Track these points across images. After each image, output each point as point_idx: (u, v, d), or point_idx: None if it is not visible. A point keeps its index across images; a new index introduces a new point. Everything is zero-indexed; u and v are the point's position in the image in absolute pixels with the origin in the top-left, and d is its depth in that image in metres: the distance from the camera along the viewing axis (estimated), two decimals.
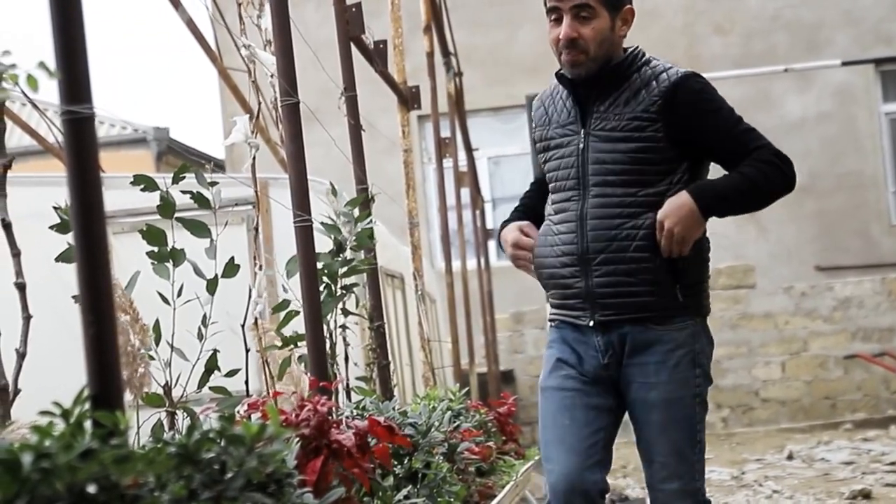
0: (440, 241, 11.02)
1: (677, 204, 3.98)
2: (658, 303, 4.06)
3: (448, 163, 11.38)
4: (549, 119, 4.25)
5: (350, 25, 5.15)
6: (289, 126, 3.85)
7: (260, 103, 4.27)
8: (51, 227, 3.42)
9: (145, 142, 20.98)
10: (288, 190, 4.04)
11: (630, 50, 4.17)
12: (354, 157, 5.46)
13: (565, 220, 4.12)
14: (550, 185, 4.23)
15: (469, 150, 13.35)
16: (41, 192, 4.51)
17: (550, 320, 4.31)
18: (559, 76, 4.19)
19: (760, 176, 4.04)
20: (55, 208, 3.38)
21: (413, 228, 7.61)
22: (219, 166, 20.80)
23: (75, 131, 1.64)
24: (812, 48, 17.01)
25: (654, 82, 4.07)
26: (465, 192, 13.24)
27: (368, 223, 4.84)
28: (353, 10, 5.23)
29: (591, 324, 4.10)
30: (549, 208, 4.28)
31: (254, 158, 4.29)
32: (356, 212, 4.84)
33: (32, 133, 7.72)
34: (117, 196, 6.37)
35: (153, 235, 3.67)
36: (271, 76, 4.19)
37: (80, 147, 1.65)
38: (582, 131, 4.12)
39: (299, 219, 3.96)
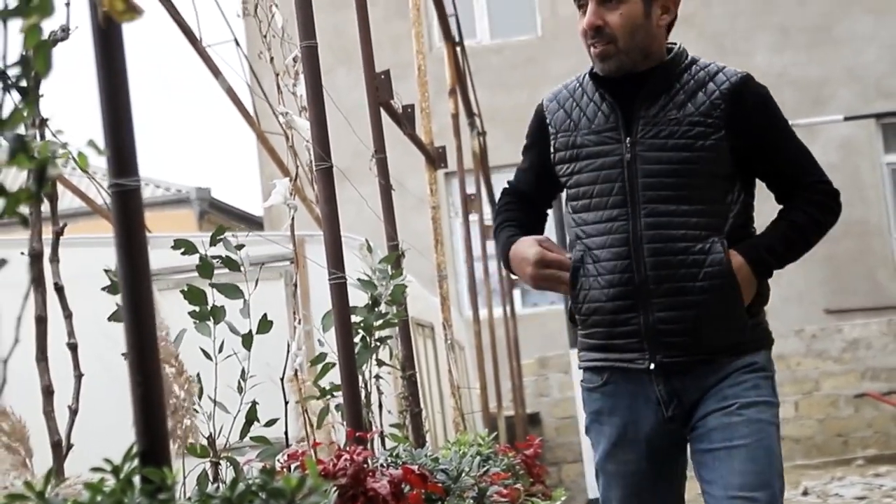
0: (468, 291, 11.02)
1: (735, 269, 3.35)
2: (731, 336, 3.37)
3: (474, 217, 11.39)
4: (573, 123, 3.50)
5: (380, 91, 5.17)
6: (323, 188, 3.86)
7: (297, 167, 4.28)
8: (102, 289, 3.43)
9: (188, 202, 21.08)
10: (323, 246, 4.05)
11: (676, 46, 3.50)
12: (385, 216, 5.46)
13: (610, 244, 3.38)
14: (578, 203, 3.47)
15: (493, 204, 13.34)
16: (91, 253, 4.52)
17: (588, 368, 3.54)
18: (594, 75, 3.49)
19: (812, 224, 3.45)
20: (106, 271, 3.39)
21: (442, 281, 7.60)
22: (258, 224, 20.89)
23: (122, 202, 1.64)
24: (817, 103, 16.98)
25: (710, 83, 3.40)
26: (491, 245, 13.22)
27: (401, 279, 4.83)
28: (382, 77, 5.24)
29: (651, 367, 3.37)
30: (575, 230, 3.50)
31: (292, 219, 4.29)
32: (390, 268, 4.84)
33: (81, 195, 7.75)
34: (162, 255, 6.38)
35: (194, 296, 3.67)
36: (307, 141, 4.21)
37: (127, 216, 1.65)
38: (627, 140, 3.39)
39: (334, 276, 3.96)
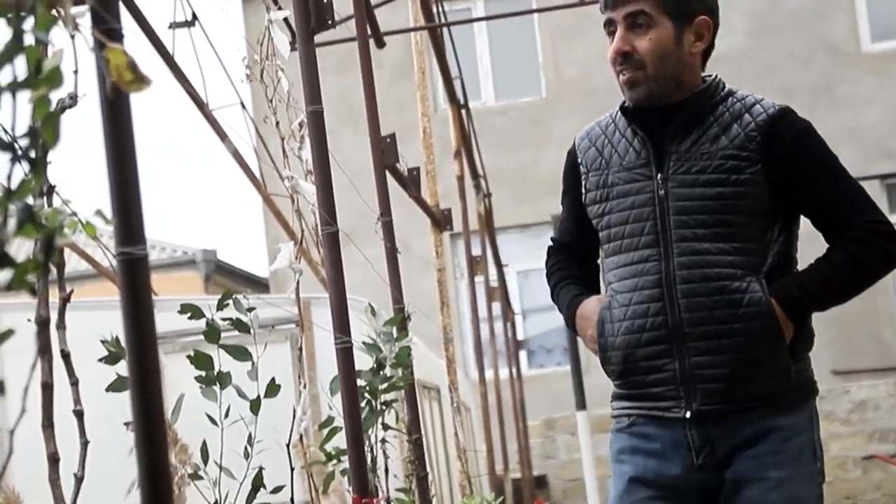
0: (473, 352, 11.01)
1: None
2: (774, 383, 3.16)
3: (479, 278, 11.39)
4: (605, 161, 3.32)
5: (385, 155, 5.19)
6: (329, 252, 3.87)
7: (303, 231, 4.29)
8: (100, 360, 3.43)
9: (194, 263, 21.09)
10: (329, 309, 4.05)
11: (712, 77, 3.30)
12: (391, 278, 5.47)
13: (641, 286, 3.19)
14: (609, 245, 3.29)
15: (499, 265, 13.36)
16: (97, 317, 4.52)
17: (619, 416, 3.33)
18: (624, 109, 3.32)
19: (855, 264, 3.18)
20: (103, 342, 3.39)
21: (448, 343, 7.60)
22: (264, 286, 20.89)
23: (130, 270, 1.64)
24: None
25: (746, 115, 3.20)
26: (497, 306, 13.22)
27: (407, 342, 4.83)
28: (388, 140, 5.26)
29: (688, 415, 3.16)
30: (608, 275, 3.34)
31: (297, 283, 4.30)
32: (395, 331, 4.83)
33: (87, 258, 7.76)
34: (167, 318, 6.38)
35: (201, 361, 3.67)
36: (312, 205, 4.22)
37: (135, 284, 1.65)
38: (658, 175, 3.20)
39: (340, 341, 3.95)
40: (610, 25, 3.26)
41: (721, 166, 3.17)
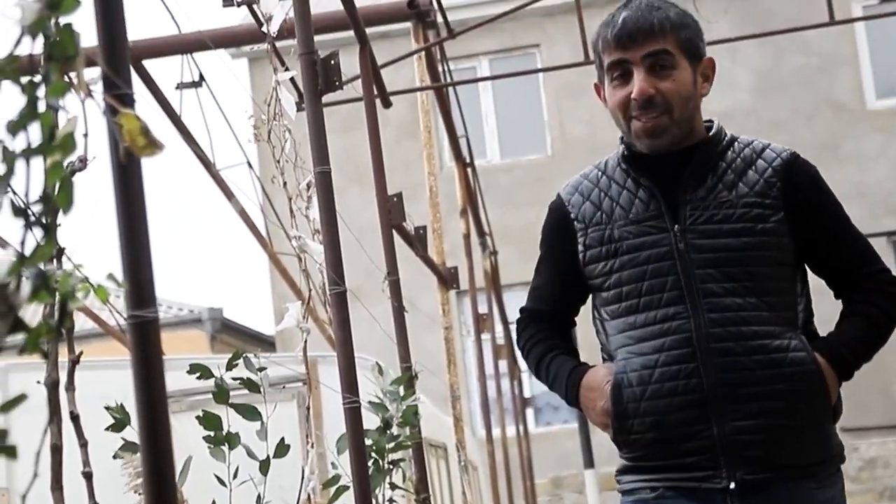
0: (480, 409, 11.00)
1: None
2: (816, 450, 2.96)
3: (486, 336, 11.38)
4: (605, 215, 3.06)
5: (392, 214, 5.20)
6: (337, 312, 3.87)
7: (310, 290, 4.30)
8: (107, 428, 3.43)
9: (200, 322, 21.10)
10: (335, 367, 4.05)
11: (715, 122, 3.11)
12: (398, 337, 5.47)
13: (668, 346, 2.91)
14: (621, 305, 3.00)
15: (506, 322, 13.35)
16: (104, 376, 4.53)
17: (638, 488, 3.02)
18: (626, 158, 3.07)
19: (887, 320, 3.04)
20: (107, 408, 3.40)
21: (455, 401, 7.58)
22: (270, 344, 20.88)
23: (140, 333, 1.65)
24: None
25: (760, 161, 3.01)
26: (503, 363, 13.21)
27: (414, 401, 4.82)
28: (395, 199, 5.28)
29: (732, 486, 2.88)
30: (618, 338, 3.03)
31: (305, 342, 4.30)
32: (402, 390, 4.83)
33: (94, 317, 7.78)
34: (175, 377, 6.39)
35: (209, 421, 3.67)
36: (320, 264, 4.23)
37: (145, 347, 1.66)
38: (675, 227, 2.96)
39: (348, 400, 3.95)
40: (618, 68, 3.00)
41: (745, 215, 2.95)
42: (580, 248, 3.10)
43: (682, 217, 2.98)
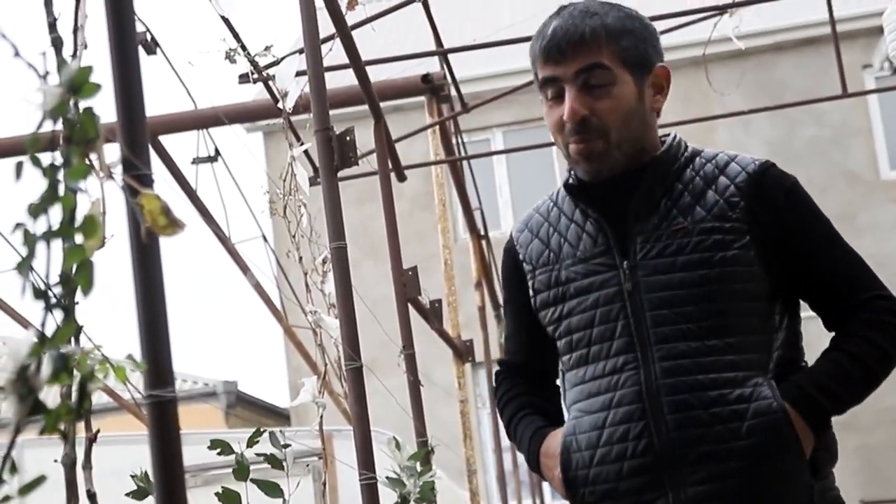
0: (497, 483, 10.94)
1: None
2: None
3: None
4: (554, 254, 2.66)
5: (407, 288, 5.21)
6: (353, 388, 3.87)
7: (326, 365, 4.30)
8: (127, 495, 3.43)
9: (215, 395, 21.07)
10: (351, 440, 4.04)
11: (670, 136, 2.68)
12: (414, 411, 5.46)
13: (617, 402, 2.51)
14: (572, 356, 2.62)
15: None
16: (120, 451, 4.53)
17: None
18: (569, 187, 2.69)
19: (877, 354, 2.55)
20: (132, 476, 3.39)
21: (471, 475, 7.55)
22: (285, 417, 20.82)
23: (158, 413, 1.65)
24: None
25: (722, 178, 2.57)
26: None
27: (431, 476, 4.81)
28: (410, 273, 5.30)
29: None
30: (571, 393, 2.66)
31: (321, 417, 4.30)
32: (418, 465, 4.82)
33: (109, 392, 7.78)
34: (191, 452, 6.39)
35: (229, 499, 3.66)
36: (335, 339, 4.23)
37: (163, 427, 1.66)
38: (625, 263, 2.56)
39: (364, 476, 3.94)
40: (551, 86, 2.60)
41: (702, 243, 2.52)
42: (531, 292, 2.73)
43: (631, 251, 2.56)
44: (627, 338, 2.53)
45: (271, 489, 3.73)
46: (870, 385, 2.59)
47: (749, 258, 2.53)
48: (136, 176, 1.62)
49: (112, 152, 1.63)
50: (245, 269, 6.98)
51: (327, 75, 3.98)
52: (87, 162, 1.42)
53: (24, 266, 1.26)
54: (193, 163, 5.86)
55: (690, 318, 2.50)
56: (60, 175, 1.36)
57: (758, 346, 2.55)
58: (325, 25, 4.26)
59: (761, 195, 2.57)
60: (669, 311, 2.50)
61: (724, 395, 2.48)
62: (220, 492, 3.54)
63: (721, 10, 7.08)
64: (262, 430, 3.59)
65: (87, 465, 2.56)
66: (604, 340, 2.56)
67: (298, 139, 5.08)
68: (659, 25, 7.85)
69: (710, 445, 2.47)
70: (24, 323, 6.37)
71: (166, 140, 6.43)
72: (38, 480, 1.24)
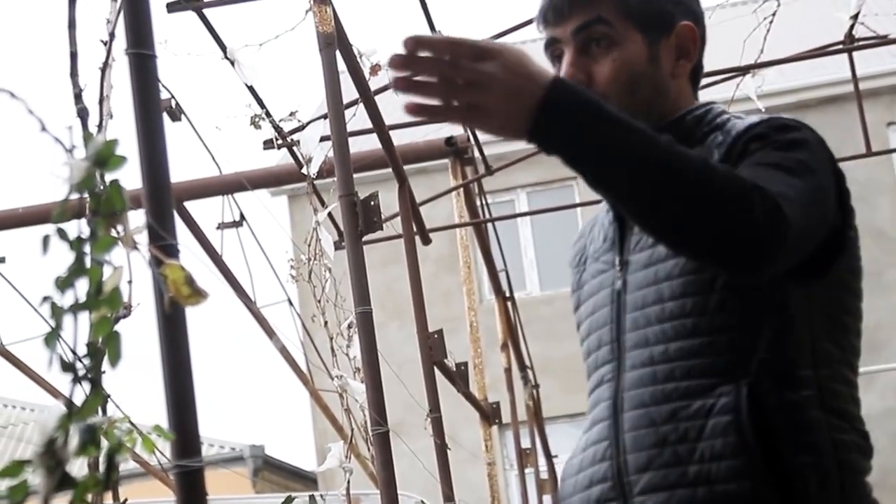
0: None
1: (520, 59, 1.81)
2: None
3: (529, 470, 11.29)
4: (585, 255, 2.37)
5: (433, 351, 5.21)
6: (380, 452, 3.87)
7: (353, 429, 4.30)
8: None
9: (242, 459, 21.03)
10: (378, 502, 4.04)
11: (700, 107, 2.25)
12: (441, 475, 5.44)
13: (596, 418, 2.20)
14: (587, 368, 2.32)
15: (549, 457, 13.24)
16: None
17: None
18: None
19: (696, 167, 1.84)
20: None
21: None
22: (312, 481, 20.76)
23: (186, 483, 1.66)
24: (872, 349, 16.86)
25: (719, 148, 2.12)
26: (547, 498, 13.08)
27: None
28: (435, 336, 5.30)
29: None
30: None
31: (348, 481, 4.29)
32: None
33: (136, 457, 7.77)
34: None
35: None
36: (361, 405, 4.24)
37: (191, 495, 1.67)
38: (617, 260, 2.22)
39: None
40: (553, 48, 2.23)
41: None
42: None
43: (626, 247, 2.22)
44: (610, 344, 2.19)
45: None
46: (655, 159, 1.84)
47: None
48: (161, 246, 1.63)
49: (137, 219, 1.65)
50: (271, 333, 6.98)
51: (351, 139, 4.01)
52: (113, 233, 1.43)
53: (52, 339, 1.27)
54: (219, 228, 5.90)
55: (664, 317, 2.08)
56: (87, 247, 1.37)
57: (737, 347, 2.03)
58: (349, 90, 4.29)
59: (742, 148, 2.08)
60: (643, 312, 2.12)
61: (683, 406, 2.02)
62: None
63: (744, 70, 7.10)
64: (292, 496, 3.59)
65: None
66: (599, 347, 2.24)
67: (323, 203, 5.11)
68: None
69: (659, 470, 2.04)
70: (53, 391, 6.39)
71: (192, 205, 6.46)
72: None
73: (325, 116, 4.34)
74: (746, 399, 1.98)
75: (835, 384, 2.09)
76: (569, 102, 1.82)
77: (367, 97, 4.43)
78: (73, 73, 1.87)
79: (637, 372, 2.11)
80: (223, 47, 4.90)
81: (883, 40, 7.41)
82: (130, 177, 1.56)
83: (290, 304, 5.73)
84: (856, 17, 7.19)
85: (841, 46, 7.44)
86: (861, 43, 7.41)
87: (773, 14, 6.80)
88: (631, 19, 2.18)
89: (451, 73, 1.78)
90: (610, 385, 2.16)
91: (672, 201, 1.84)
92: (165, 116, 1.91)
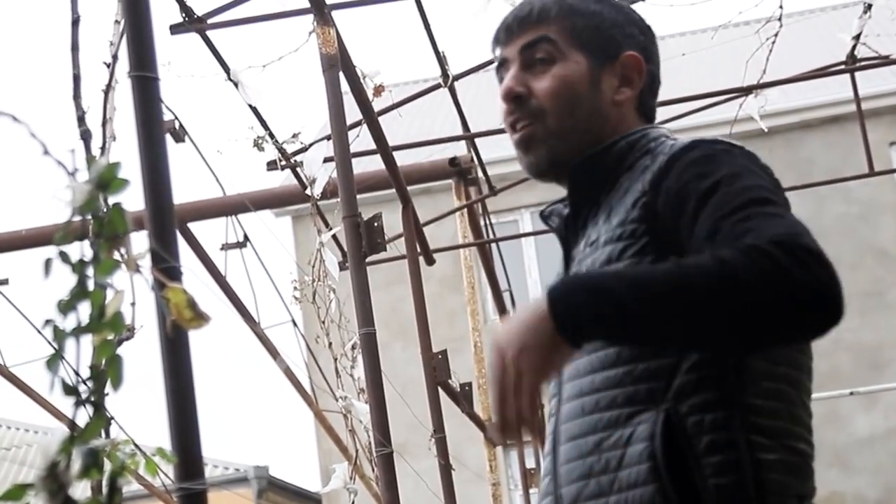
0: None
1: (519, 313, 1.84)
2: None
3: (534, 490, 11.27)
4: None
5: (437, 372, 5.20)
6: (384, 473, 3.86)
7: (357, 450, 4.29)
8: None
9: (246, 480, 20.99)
10: None
11: (633, 131, 2.18)
12: (445, 495, 5.43)
13: (546, 452, 2.14)
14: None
15: None
16: None
17: None
18: (543, 216, 2.31)
19: (711, 266, 1.74)
20: None
21: None
22: (316, 501, 20.71)
23: None
24: (874, 368, 16.87)
25: (646, 174, 2.04)
26: None
27: None
28: (439, 357, 5.29)
29: None
30: None
31: (352, 502, 4.28)
32: None
33: (140, 480, 7.75)
34: None
35: None
36: (365, 426, 4.23)
37: None
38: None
39: None
40: (503, 69, 2.24)
41: (600, 257, 2.05)
42: None
43: (570, 262, 2.18)
44: (557, 377, 2.10)
45: None
46: (680, 300, 1.76)
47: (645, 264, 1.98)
48: (164, 269, 1.63)
49: (140, 241, 1.64)
50: (275, 354, 6.98)
51: (355, 160, 4.01)
52: (116, 256, 1.43)
53: (54, 362, 1.26)
54: (222, 249, 5.89)
55: (589, 349, 1.98)
56: (89, 270, 1.37)
57: (658, 373, 1.95)
58: (352, 111, 4.29)
59: (663, 182, 2.00)
60: None
61: (604, 438, 1.98)
62: None
63: (747, 90, 7.11)
64: None
65: None
66: (551, 380, 2.10)
67: (327, 224, 5.11)
68: (685, 106, 7.87)
69: (586, 501, 1.99)
70: (57, 413, 6.37)
71: (195, 226, 6.46)
72: None
73: (328, 137, 4.34)
74: (662, 425, 1.92)
75: (763, 400, 1.98)
76: (568, 297, 1.80)
77: (370, 118, 4.43)
78: (77, 96, 1.87)
79: (570, 404, 2.06)
80: (227, 69, 4.90)
81: (885, 60, 7.42)
82: (134, 198, 1.56)
83: (295, 325, 5.72)
84: (857, 37, 7.20)
85: (843, 67, 7.46)
86: (863, 63, 7.42)
87: (776, 34, 6.80)
88: (577, 42, 2.19)
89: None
90: (553, 418, 2.12)
91: (718, 320, 1.78)
92: (169, 138, 1.91)
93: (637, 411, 1.95)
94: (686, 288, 1.75)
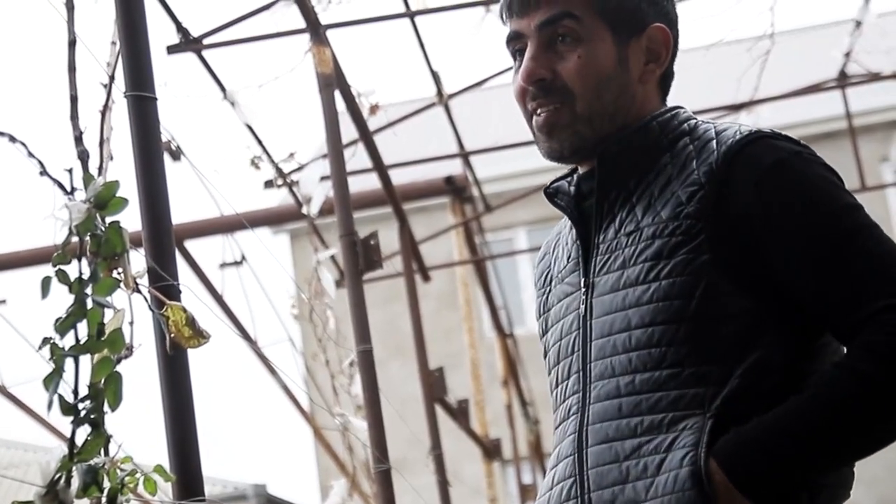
0: None
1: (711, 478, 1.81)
2: None
3: None
4: (550, 274, 2.17)
5: (434, 389, 5.20)
6: (382, 490, 3.85)
7: (355, 467, 4.28)
8: None
9: (245, 498, 20.93)
10: None
11: (667, 111, 2.06)
12: None
13: (561, 454, 1.99)
14: (554, 398, 2.10)
15: None
16: None
17: None
18: (547, 189, 2.13)
19: (861, 396, 1.80)
20: None
21: None
22: None
23: None
24: None
25: (696, 161, 1.95)
26: None
27: None
28: (436, 374, 5.29)
29: None
30: None
31: None
32: None
33: (137, 496, 7.73)
34: None
35: None
36: (363, 443, 4.22)
37: None
38: (582, 282, 2.02)
39: None
40: (516, 43, 2.06)
41: (647, 249, 1.94)
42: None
43: (591, 267, 2.03)
44: (577, 374, 2.01)
45: None
46: (843, 433, 1.83)
47: (700, 266, 1.89)
48: (163, 287, 1.62)
49: (138, 260, 1.64)
50: (273, 371, 6.97)
51: (351, 179, 4.00)
52: (114, 275, 1.43)
53: (51, 381, 1.26)
54: (220, 268, 5.89)
55: (631, 346, 1.92)
56: (87, 289, 1.36)
57: (707, 379, 1.88)
58: (348, 129, 4.29)
59: (731, 178, 1.91)
60: (609, 340, 1.95)
61: (642, 444, 1.89)
62: None
63: (739, 107, 7.12)
64: None
65: None
66: (566, 378, 2.04)
67: (323, 243, 5.10)
68: None
69: None
70: (56, 432, 6.36)
71: (193, 245, 6.46)
72: None
73: (324, 156, 4.34)
74: (709, 433, 1.85)
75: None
76: (755, 478, 1.83)
77: (365, 137, 4.43)
78: (74, 116, 1.87)
79: (602, 404, 1.94)
80: (223, 88, 4.90)
81: (875, 77, 7.44)
82: (132, 218, 1.56)
83: (292, 342, 5.72)
84: (848, 54, 7.22)
85: (834, 83, 7.48)
86: (854, 80, 7.44)
87: (768, 52, 6.81)
88: (602, 15, 2.02)
89: None
90: (576, 418, 1.98)
91: (865, 444, 1.86)
92: (166, 157, 1.91)
93: (681, 416, 1.87)
94: (854, 432, 1.84)
